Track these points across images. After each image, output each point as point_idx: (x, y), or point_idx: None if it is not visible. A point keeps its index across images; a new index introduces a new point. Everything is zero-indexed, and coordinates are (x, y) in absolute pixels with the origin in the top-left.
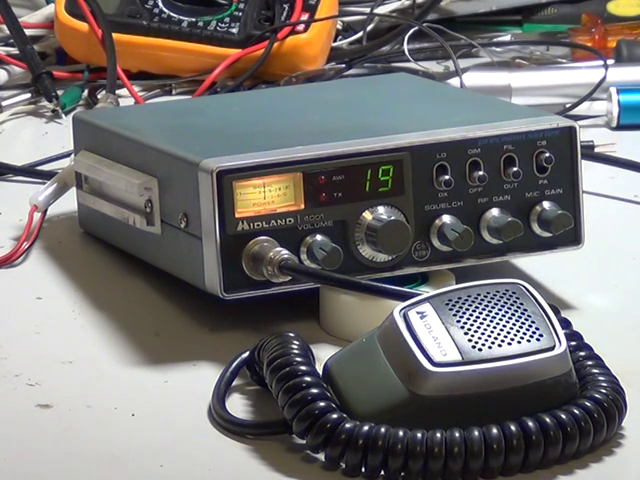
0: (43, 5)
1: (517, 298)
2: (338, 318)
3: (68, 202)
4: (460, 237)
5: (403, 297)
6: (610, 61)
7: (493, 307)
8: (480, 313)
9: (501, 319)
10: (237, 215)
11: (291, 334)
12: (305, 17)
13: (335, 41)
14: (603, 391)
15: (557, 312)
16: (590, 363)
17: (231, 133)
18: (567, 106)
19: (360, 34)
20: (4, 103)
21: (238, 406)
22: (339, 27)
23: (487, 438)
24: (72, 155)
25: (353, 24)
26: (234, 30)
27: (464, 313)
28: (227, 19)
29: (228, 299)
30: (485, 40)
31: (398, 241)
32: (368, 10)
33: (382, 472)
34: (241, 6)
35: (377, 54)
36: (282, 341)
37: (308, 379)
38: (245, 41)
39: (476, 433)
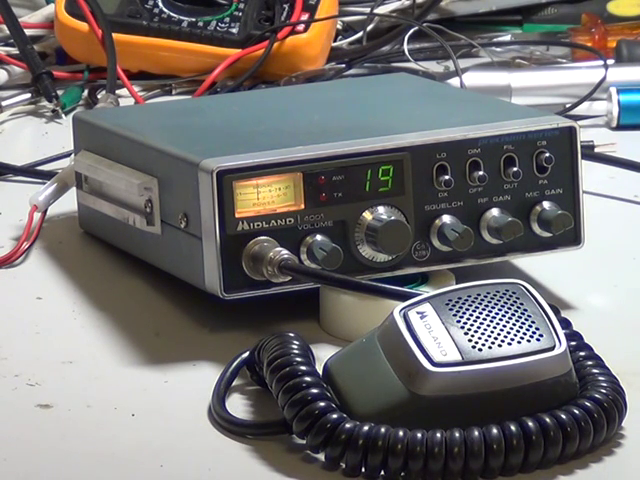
0: (43, 5)
1: (517, 298)
2: (338, 318)
3: (68, 202)
4: (460, 237)
5: (403, 297)
6: (610, 61)
7: (493, 307)
8: (480, 313)
9: (501, 319)
10: (237, 215)
11: (291, 334)
12: (305, 17)
13: (335, 41)
14: (603, 391)
15: (557, 312)
16: (590, 363)
17: (231, 133)
18: (567, 106)
19: (360, 34)
20: (4, 103)
21: (238, 406)
22: (339, 27)
23: (487, 438)
24: (72, 155)
25: (353, 24)
26: (234, 30)
27: (464, 313)
28: (227, 19)
29: (228, 299)
30: (485, 40)
31: (398, 241)
32: (368, 10)
33: (382, 472)
34: (241, 6)
35: (377, 54)
36: (282, 341)
37: (308, 379)
38: (245, 41)
39: (476, 433)
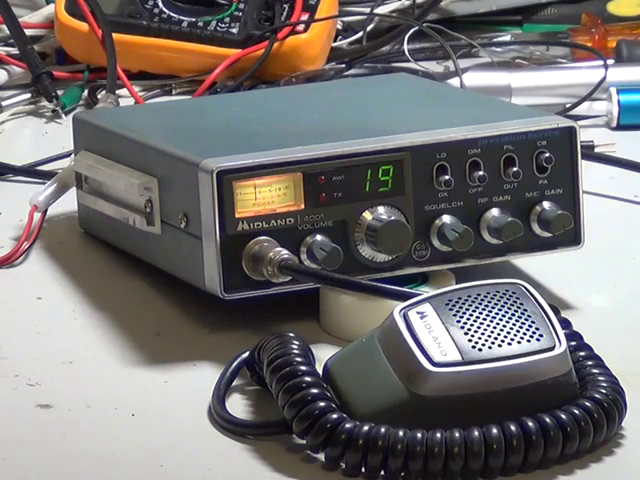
0: (43, 5)
1: (517, 298)
2: (338, 318)
3: (68, 202)
4: (460, 237)
5: (403, 297)
6: (610, 61)
7: (493, 307)
8: (480, 313)
9: (501, 319)
10: (237, 215)
11: (291, 334)
12: (305, 17)
13: (335, 41)
14: (603, 391)
15: (557, 312)
16: (590, 363)
17: (231, 133)
18: (567, 106)
19: (360, 34)
20: (4, 103)
21: (238, 406)
22: (339, 27)
23: (487, 438)
24: (72, 155)
25: (353, 24)
26: (234, 30)
27: (464, 313)
28: (227, 19)
29: (228, 299)
30: (485, 40)
31: (398, 241)
32: (368, 10)
33: (382, 472)
34: (241, 6)
35: (377, 54)
36: (282, 341)
37: (308, 379)
38: (245, 41)
39: (476, 433)
